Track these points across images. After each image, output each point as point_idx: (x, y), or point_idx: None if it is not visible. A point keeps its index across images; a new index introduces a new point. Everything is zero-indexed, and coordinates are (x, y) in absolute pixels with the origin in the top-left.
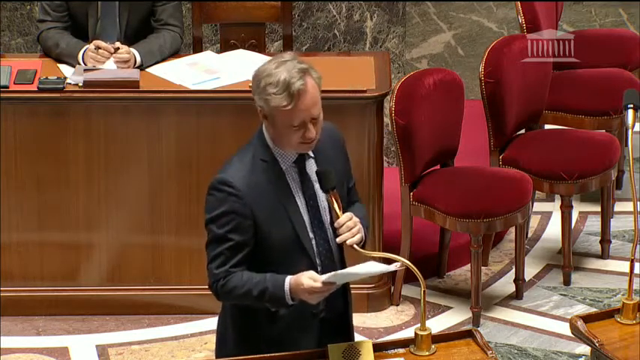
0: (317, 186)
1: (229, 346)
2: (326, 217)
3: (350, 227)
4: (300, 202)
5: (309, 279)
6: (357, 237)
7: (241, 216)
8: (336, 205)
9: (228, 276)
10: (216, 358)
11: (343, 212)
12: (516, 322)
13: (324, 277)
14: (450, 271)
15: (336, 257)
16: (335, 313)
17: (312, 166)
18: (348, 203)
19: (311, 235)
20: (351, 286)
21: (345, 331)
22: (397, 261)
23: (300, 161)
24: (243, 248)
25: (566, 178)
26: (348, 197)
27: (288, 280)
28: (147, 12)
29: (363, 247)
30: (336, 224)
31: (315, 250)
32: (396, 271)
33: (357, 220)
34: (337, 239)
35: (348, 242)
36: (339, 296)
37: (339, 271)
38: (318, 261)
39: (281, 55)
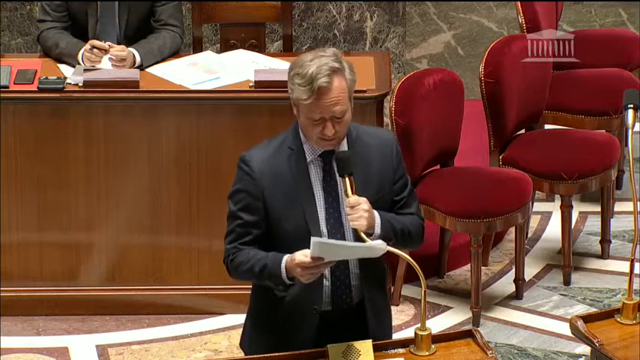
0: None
1: (246, 331)
2: (346, 219)
3: (348, 212)
4: (319, 197)
5: (302, 255)
6: (361, 222)
7: (252, 196)
8: (349, 189)
9: (236, 252)
10: (241, 339)
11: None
12: (516, 322)
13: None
14: (450, 271)
15: (353, 260)
16: (342, 312)
17: None
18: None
19: (324, 231)
20: None
21: (354, 331)
22: (400, 256)
23: (327, 156)
24: (252, 228)
25: (566, 178)
26: (394, 209)
27: (286, 257)
28: (147, 12)
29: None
30: (345, 203)
31: None
32: (396, 272)
33: (363, 207)
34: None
35: (352, 224)
36: (349, 296)
37: (323, 240)
38: None
39: (324, 49)
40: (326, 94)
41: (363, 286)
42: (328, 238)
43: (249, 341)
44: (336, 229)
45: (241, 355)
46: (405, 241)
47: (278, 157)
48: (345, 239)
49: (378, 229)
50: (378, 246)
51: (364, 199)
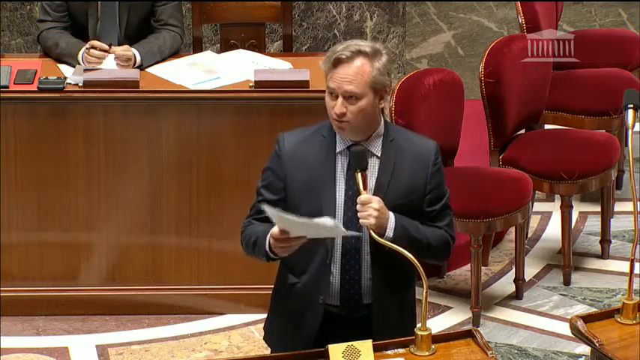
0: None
1: (269, 310)
2: None
3: (366, 208)
4: (340, 188)
5: (276, 227)
6: (369, 221)
7: (275, 175)
8: (360, 185)
9: (248, 225)
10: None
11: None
12: (516, 322)
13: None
14: (450, 271)
15: (366, 257)
16: (350, 309)
17: (372, 164)
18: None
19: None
20: None
21: (358, 331)
22: (402, 254)
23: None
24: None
25: (566, 178)
26: (422, 220)
27: (272, 229)
28: (147, 12)
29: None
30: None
31: (338, 240)
32: None
33: (373, 205)
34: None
35: (361, 222)
36: (358, 294)
37: (277, 212)
38: (337, 253)
39: (377, 42)
40: (341, 66)
41: (375, 288)
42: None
43: (268, 323)
44: (353, 224)
45: (241, 354)
46: (424, 252)
47: (309, 143)
48: (361, 234)
49: (390, 232)
50: (328, 223)
51: (377, 197)
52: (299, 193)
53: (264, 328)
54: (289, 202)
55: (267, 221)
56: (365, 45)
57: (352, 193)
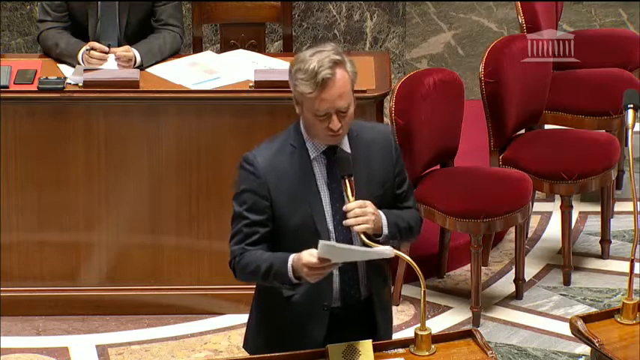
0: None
1: (252, 329)
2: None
3: (358, 214)
4: (324, 193)
5: (309, 255)
6: (364, 226)
7: (258, 195)
8: (349, 192)
9: (243, 253)
10: (244, 341)
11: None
12: (516, 322)
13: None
14: (450, 271)
15: None
16: (351, 308)
17: None
18: (397, 209)
19: (331, 228)
20: None
21: (363, 327)
22: (400, 257)
23: (330, 153)
24: (259, 227)
25: (566, 178)
26: (395, 203)
27: (293, 256)
28: (147, 12)
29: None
30: (344, 208)
31: (332, 242)
32: (396, 272)
33: (369, 210)
34: (343, 222)
35: (354, 229)
36: (357, 292)
37: (332, 244)
38: None
39: (324, 45)
40: (330, 86)
41: (370, 281)
42: (335, 235)
43: (255, 344)
44: (342, 226)
45: (241, 354)
46: (407, 237)
47: (281, 155)
48: (351, 237)
49: (385, 230)
50: (385, 251)
51: (367, 202)
52: (286, 206)
53: (247, 347)
54: (277, 216)
55: (262, 243)
56: (330, 52)
57: (336, 196)
